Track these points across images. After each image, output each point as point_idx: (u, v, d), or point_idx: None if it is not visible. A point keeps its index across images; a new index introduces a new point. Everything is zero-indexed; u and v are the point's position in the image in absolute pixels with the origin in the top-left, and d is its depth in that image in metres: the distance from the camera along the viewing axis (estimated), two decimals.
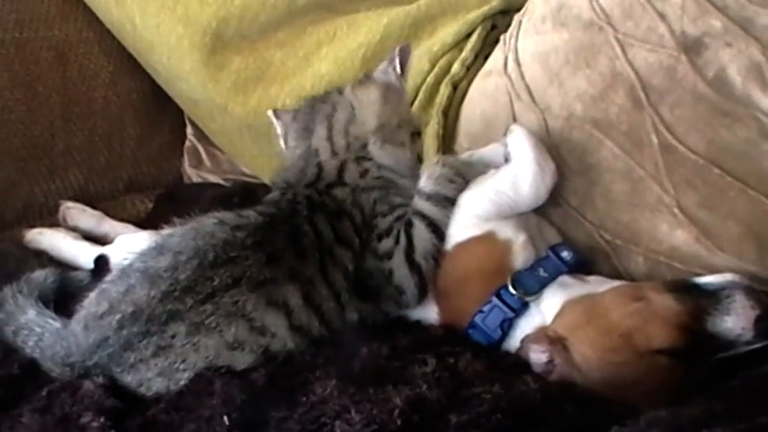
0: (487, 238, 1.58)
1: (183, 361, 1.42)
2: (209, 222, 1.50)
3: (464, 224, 1.59)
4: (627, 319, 1.41)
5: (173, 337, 1.42)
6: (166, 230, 1.54)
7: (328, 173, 1.62)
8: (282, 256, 1.48)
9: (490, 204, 1.58)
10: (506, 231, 1.58)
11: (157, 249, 1.49)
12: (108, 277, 1.52)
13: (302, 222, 1.53)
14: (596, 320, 1.44)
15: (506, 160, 1.64)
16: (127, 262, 1.51)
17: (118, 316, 1.43)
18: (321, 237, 1.53)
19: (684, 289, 1.44)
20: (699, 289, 1.44)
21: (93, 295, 1.50)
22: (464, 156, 1.74)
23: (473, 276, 1.57)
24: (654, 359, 1.37)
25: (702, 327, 1.39)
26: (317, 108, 1.68)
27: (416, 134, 1.70)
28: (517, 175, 1.59)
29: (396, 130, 1.65)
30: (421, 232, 1.56)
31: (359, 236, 1.56)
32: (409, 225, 1.56)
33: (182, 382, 1.42)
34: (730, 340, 1.38)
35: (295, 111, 1.73)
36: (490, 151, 1.69)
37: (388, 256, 1.55)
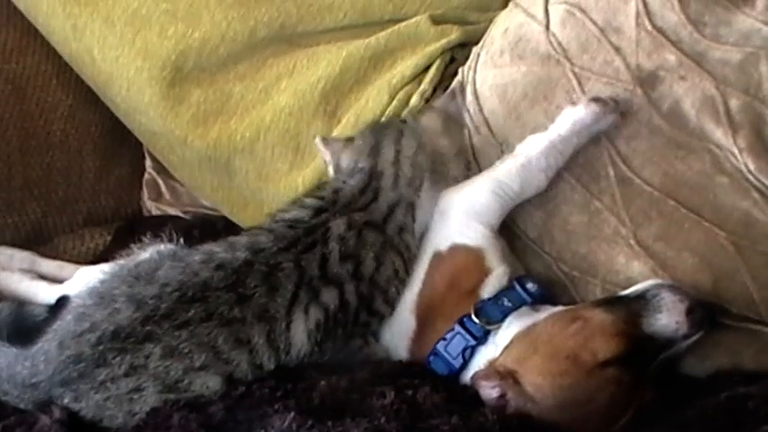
0: (476, 257, 1.60)
1: (151, 384, 1.44)
2: (197, 260, 1.53)
3: (463, 223, 1.61)
4: (569, 341, 1.44)
5: (147, 357, 1.44)
6: (146, 258, 1.58)
7: (380, 206, 1.61)
8: (252, 294, 1.49)
9: (493, 198, 1.60)
10: (492, 259, 1.60)
11: (146, 279, 1.51)
12: (84, 301, 1.52)
13: (284, 259, 1.53)
14: (541, 348, 1.46)
15: None
16: (106, 285, 1.53)
17: (98, 333, 1.45)
18: (302, 271, 1.53)
19: (613, 301, 1.49)
20: (627, 297, 1.49)
21: (69, 317, 1.50)
22: None
23: (450, 292, 1.59)
24: (602, 372, 1.40)
25: (640, 330, 1.43)
26: (382, 131, 1.69)
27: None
28: (529, 160, 1.61)
29: (453, 159, 1.69)
30: None
31: (357, 281, 1.55)
32: None
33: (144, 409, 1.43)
34: (668, 337, 1.42)
35: (348, 138, 1.74)
36: None
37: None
